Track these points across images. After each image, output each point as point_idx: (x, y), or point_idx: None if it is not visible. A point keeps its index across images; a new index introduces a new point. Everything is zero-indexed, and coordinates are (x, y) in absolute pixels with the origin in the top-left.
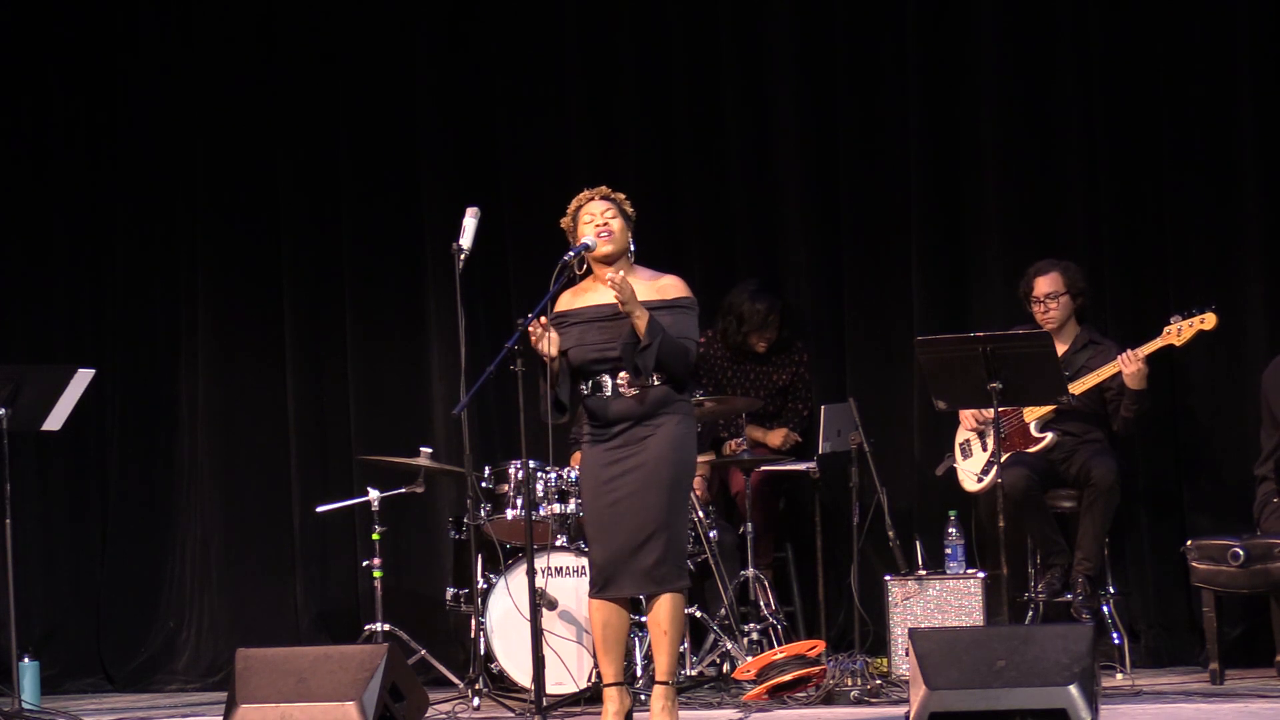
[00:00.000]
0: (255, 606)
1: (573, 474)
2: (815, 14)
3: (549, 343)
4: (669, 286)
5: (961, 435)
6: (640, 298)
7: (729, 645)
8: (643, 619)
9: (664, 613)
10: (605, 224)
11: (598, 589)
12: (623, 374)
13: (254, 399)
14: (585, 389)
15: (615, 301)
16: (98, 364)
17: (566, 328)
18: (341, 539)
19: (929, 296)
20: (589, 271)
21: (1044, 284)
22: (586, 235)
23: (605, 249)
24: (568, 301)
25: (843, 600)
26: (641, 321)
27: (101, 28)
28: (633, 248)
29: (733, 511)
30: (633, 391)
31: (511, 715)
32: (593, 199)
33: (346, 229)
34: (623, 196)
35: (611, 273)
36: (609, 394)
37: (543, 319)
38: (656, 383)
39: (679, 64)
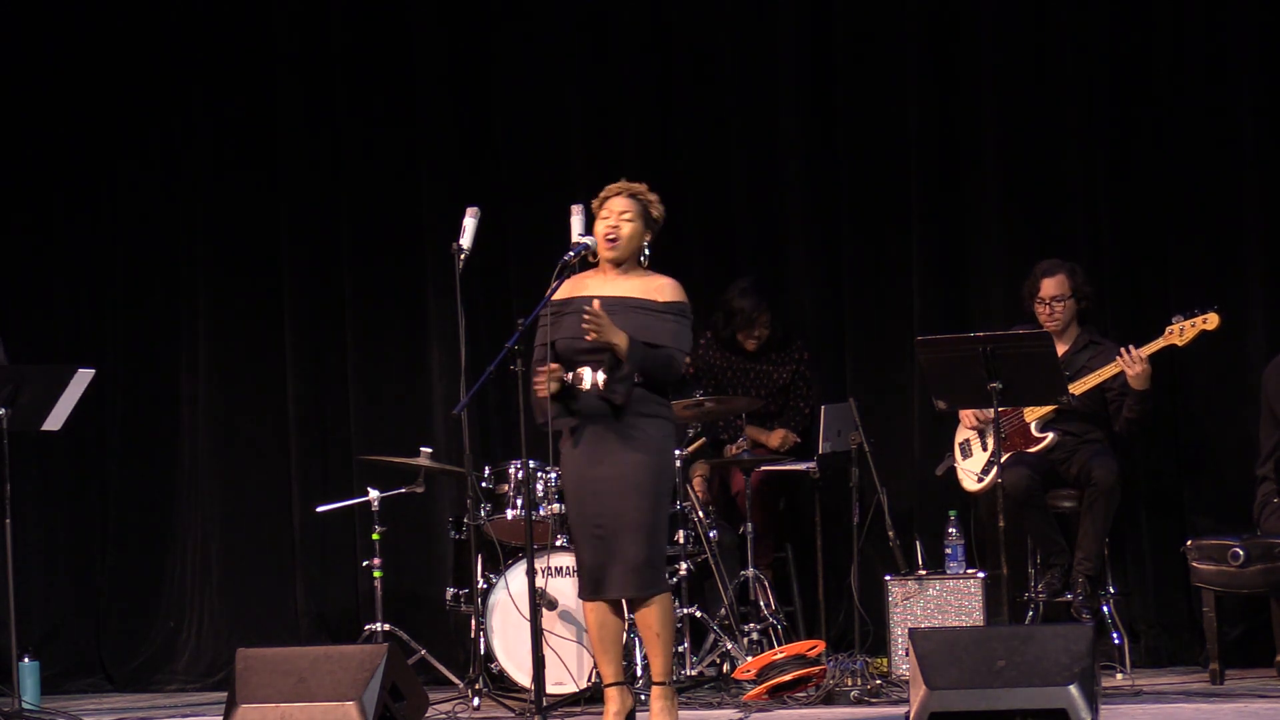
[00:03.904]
0: (255, 606)
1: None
2: (816, 13)
3: (549, 383)
4: (664, 288)
5: (961, 435)
6: (634, 295)
7: (729, 645)
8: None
9: (653, 616)
10: (616, 226)
11: (588, 591)
12: (601, 373)
13: (254, 399)
14: (568, 379)
15: (612, 296)
16: (98, 364)
17: (563, 317)
18: (341, 539)
19: (929, 296)
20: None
21: (1050, 285)
22: (598, 229)
23: (607, 255)
24: (569, 289)
25: (843, 600)
26: (622, 346)
27: (101, 19)
28: (646, 253)
29: (733, 511)
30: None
31: (511, 715)
32: (619, 194)
33: (346, 229)
34: (654, 198)
35: (589, 308)
36: (587, 387)
37: (552, 365)
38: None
39: (679, 63)
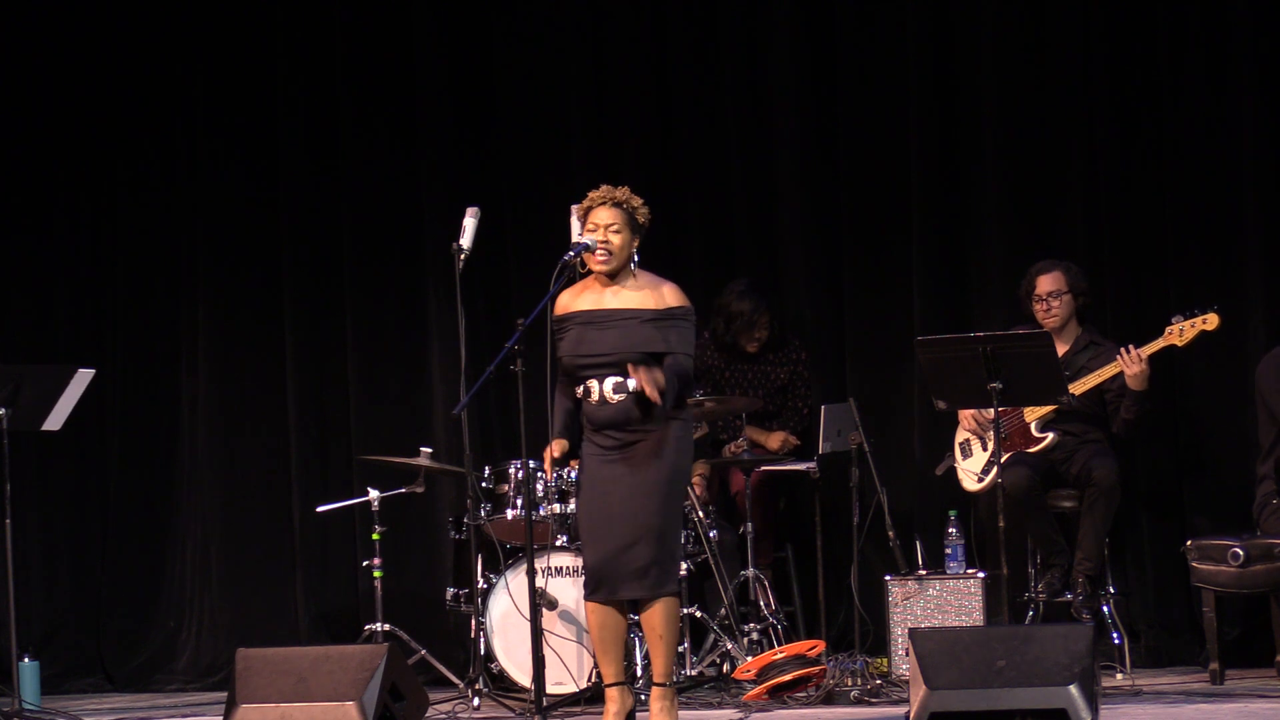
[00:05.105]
0: (255, 606)
1: (573, 474)
2: (816, 12)
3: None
4: (668, 294)
5: (961, 435)
6: (638, 305)
7: (729, 645)
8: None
9: (657, 617)
10: (606, 241)
11: (591, 591)
12: (609, 380)
13: (254, 399)
14: (579, 392)
15: (614, 308)
16: (98, 364)
17: (565, 332)
18: (341, 539)
19: (929, 296)
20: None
21: (1046, 282)
22: (587, 243)
23: (600, 269)
24: (567, 302)
25: (843, 600)
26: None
27: (104, 18)
28: (635, 258)
29: (733, 511)
30: (619, 398)
31: (511, 715)
32: (605, 204)
33: (347, 229)
34: (638, 203)
35: (645, 379)
36: (596, 400)
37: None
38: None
39: (679, 63)
